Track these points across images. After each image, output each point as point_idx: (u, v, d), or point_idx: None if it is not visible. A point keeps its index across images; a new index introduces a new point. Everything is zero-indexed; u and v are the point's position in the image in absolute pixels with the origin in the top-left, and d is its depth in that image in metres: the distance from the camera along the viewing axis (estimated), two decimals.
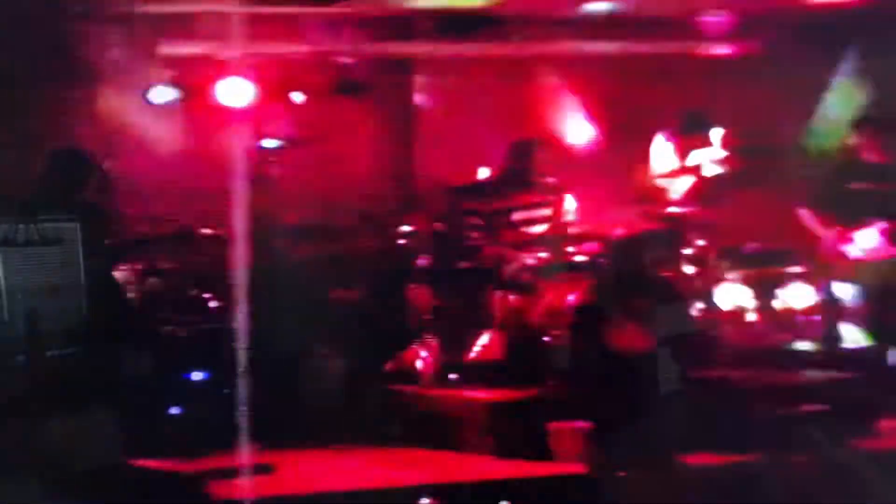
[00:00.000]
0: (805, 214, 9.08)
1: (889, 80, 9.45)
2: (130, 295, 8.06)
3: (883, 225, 8.85)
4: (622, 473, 6.84)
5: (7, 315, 6.86)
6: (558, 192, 9.09)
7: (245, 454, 7.01)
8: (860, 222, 8.91)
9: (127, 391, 7.17)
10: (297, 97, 9.93)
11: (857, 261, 8.92)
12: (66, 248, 7.04)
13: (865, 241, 8.89)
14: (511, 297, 8.54)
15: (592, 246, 8.76)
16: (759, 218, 9.50)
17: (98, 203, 7.70)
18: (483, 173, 9.48)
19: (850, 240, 8.93)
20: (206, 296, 8.34)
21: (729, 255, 9.30)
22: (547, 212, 9.06)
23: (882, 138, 9.03)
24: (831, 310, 9.02)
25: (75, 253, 7.05)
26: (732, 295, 9.21)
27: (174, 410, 7.79)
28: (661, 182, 9.48)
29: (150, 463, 7.01)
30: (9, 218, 6.91)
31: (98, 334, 7.04)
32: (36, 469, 6.30)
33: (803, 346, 9.05)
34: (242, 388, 7.68)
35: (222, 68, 9.50)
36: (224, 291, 8.51)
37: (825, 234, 9.03)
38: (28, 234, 6.98)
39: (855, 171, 9.02)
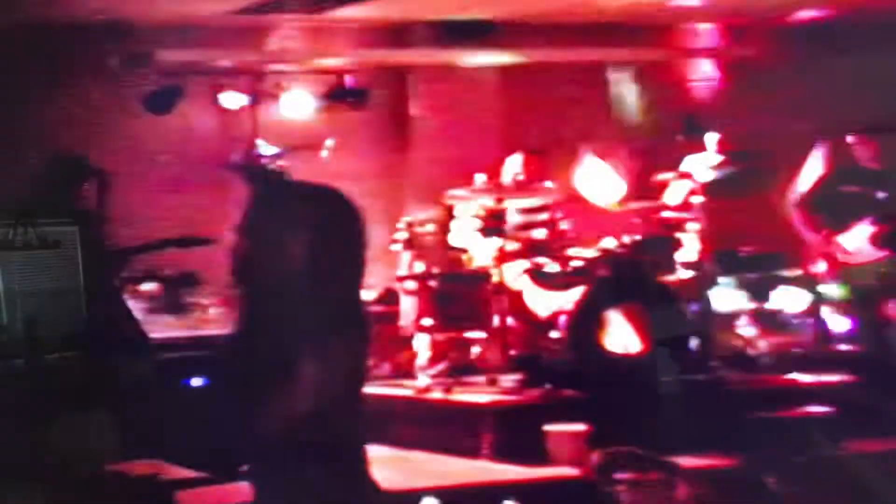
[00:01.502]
0: (797, 217, 9.08)
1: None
2: (130, 299, 8.06)
3: (870, 228, 8.84)
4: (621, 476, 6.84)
5: (5, 319, 6.86)
6: (556, 197, 9.11)
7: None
8: (850, 225, 8.91)
9: (126, 396, 7.17)
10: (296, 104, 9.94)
11: (846, 263, 8.93)
12: (64, 251, 7.03)
13: (853, 243, 8.89)
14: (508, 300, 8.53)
15: (591, 251, 8.75)
16: (753, 221, 9.51)
17: (97, 207, 7.70)
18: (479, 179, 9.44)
19: (840, 242, 8.93)
20: (205, 301, 8.35)
21: (724, 259, 9.29)
22: (545, 216, 9.08)
23: (878, 143, 9.04)
24: (823, 312, 9.05)
25: (74, 257, 7.04)
26: (728, 298, 9.21)
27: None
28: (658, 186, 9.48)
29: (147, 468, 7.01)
30: (7, 221, 6.91)
31: (97, 338, 7.03)
32: (35, 473, 6.29)
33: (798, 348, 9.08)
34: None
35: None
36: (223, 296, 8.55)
37: (815, 236, 9.04)
38: (26, 238, 6.98)
39: (849, 175, 9.03)
